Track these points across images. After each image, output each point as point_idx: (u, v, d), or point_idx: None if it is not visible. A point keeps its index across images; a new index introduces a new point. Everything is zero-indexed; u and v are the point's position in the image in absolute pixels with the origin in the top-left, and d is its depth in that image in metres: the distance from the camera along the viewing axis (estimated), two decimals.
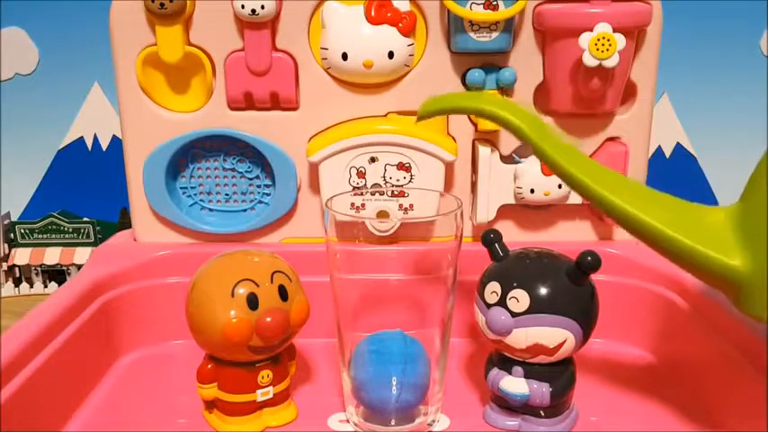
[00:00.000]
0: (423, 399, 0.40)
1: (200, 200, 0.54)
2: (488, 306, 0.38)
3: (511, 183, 0.51)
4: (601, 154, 0.52)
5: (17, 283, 0.78)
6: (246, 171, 0.53)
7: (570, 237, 0.54)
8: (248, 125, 0.51)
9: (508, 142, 0.52)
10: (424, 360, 0.40)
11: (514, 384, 0.39)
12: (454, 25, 0.48)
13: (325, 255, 0.40)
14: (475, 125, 0.51)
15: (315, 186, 0.52)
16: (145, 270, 0.51)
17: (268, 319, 0.37)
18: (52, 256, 0.76)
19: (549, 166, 0.35)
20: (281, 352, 0.41)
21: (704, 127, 0.80)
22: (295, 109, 0.51)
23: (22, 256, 0.76)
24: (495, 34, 0.48)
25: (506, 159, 0.52)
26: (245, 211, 0.54)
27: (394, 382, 0.39)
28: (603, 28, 0.46)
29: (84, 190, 0.82)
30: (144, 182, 0.52)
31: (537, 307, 0.37)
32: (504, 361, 0.40)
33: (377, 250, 0.41)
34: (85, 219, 0.78)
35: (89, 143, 0.81)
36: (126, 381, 0.47)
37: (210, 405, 0.41)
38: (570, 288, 0.37)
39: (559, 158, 0.35)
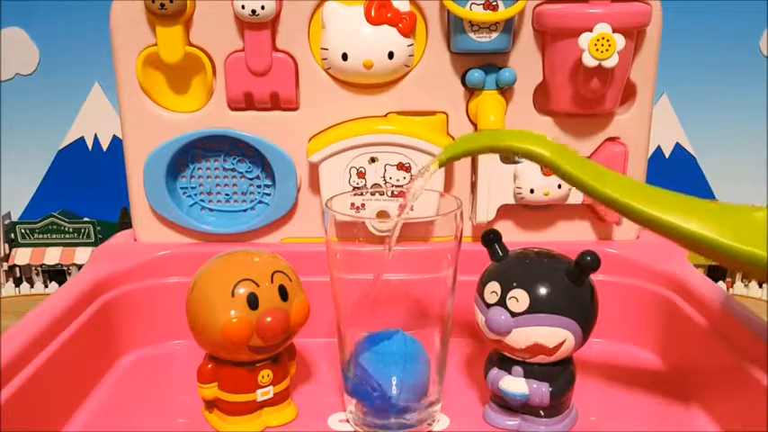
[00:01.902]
0: (423, 399, 0.40)
1: (201, 200, 0.54)
2: (488, 306, 0.38)
3: (510, 183, 0.51)
4: (600, 154, 0.52)
5: (17, 283, 0.78)
6: (246, 171, 0.53)
7: (570, 237, 0.54)
8: (248, 125, 0.51)
9: None
10: (424, 360, 0.40)
11: (514, 384, 0.39)
12: (454, 25, 0.48)
13: (326, 255, 0.40)
14: (475, 125, 0.51)
15: (315, 186, 0.52)
16: (145, 270, 0.51)
17: (268, 319, 0.37)
18: (53, 256, 0.76)
19: (588, 193, 0.35)
20: (281, 352, 0.41)
21: (703, 127, 0.80)
22: (295, 109, 0.51)
23: (22, 256, 0.76)
24: (494, 34, 0.48)
25: (506, 159, 0.52)
26: (245, 211, 0.54)
27: (394, 382, 0.39)
28: (603, 28, 0.46)
29: (85, 190, 0.82)
30: (144, 182, 0.52)
31: (536, 307, 0.37)
32: (504, 361, 0.40)
33: (377, 250, 0.41)
34: (86, 219, 0.78)
35: (89, 143, 0.81)
36: (126, 381, 0.47)
37: (211, 405, 0.41)
38: (570, 288, 0.37)
39: (597, 184, 0.34)
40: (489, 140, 0.37)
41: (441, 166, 0.38)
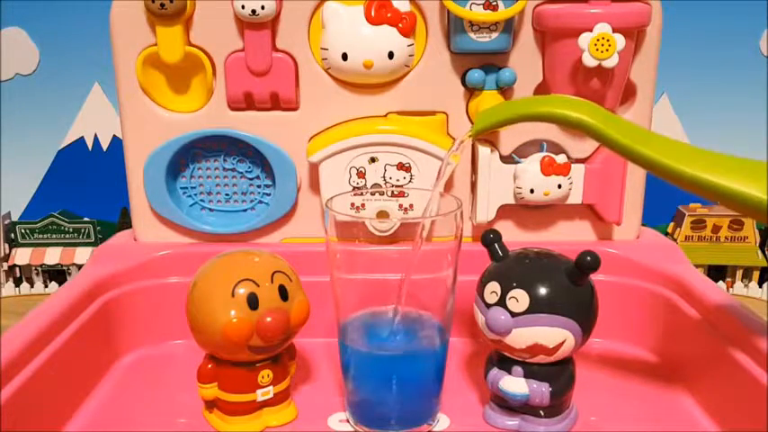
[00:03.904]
0: (423, 401, 0.40)
1: (201, 200, 0.54)
2: (488, 306, 0.38)
3: (510, 183, 0.51)
4: (600, 154, 0.52)
5: (17, 283, 0.78)
6: (246, 171, 0.53)
7: (570, 237, 0.54)
8: (248, 125, 0.51)
9: (508, 142, 0.52)
10: (423, 360, 0.40)
11: (514, 384, 0.39)
12: (454, 25, 0.48)
13: (326, 255, 0.40)
14: None
15: (315, 186, 0.52)
16: (145, 270, 0.51)
17: (268, 319, 0.37)
18: (53, 256, 0.76)
19: (634, 160, 0.33)
20: (281, 352, 0.41)
21: (704, 127, 0.80)
22: (295, 109, 0.51)
23: (22, 256, 0.76)
24: (494, 34, 0.48)
25: (506, 159, 0.52)
26: (245, 211, 0.54)
27: (393, 382, 0.39)
28: (603, 28, 0.46)
29: (85, 190, 0.82)
30: (144, 182, 0.52)
31: (536, 307, 0.37)
32: (504, 361, 0.40)
33: (377, 250, 0.41)
34: (86, 219, 0.78)
35: (89, 143, 0.81)
36: (126, 381, 0.47)
37: (211, 405, 0.41)
38: (570, 288, 0.37)
39: (646, 149, 0.33)
40: (523, 108, 0.35)
41: (474, 137, 0.37)
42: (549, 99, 0.36)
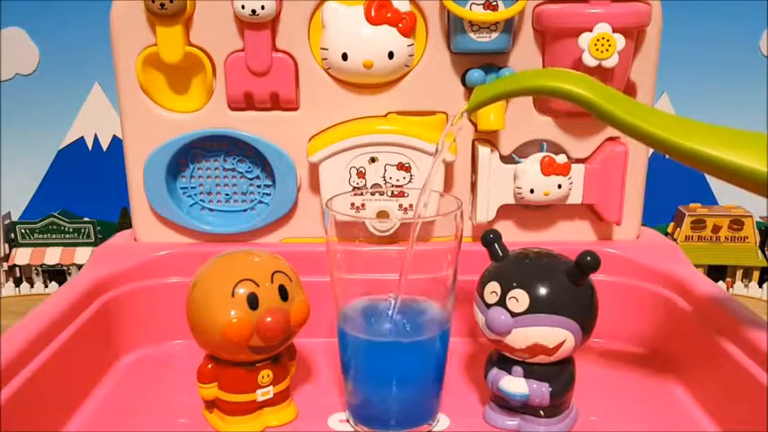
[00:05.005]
0: (422, 398, 0.40)
1: (201, 200, 0.54)
2: (488, 306, 0.38)
3: (510, 183, 0.51)
4: (600, 154, 0.52)
5: (18, 283, 0.78)
6: (246, 171, 0.53)
7: (570, 237, 0.54)
8: (248, 125, 0.51)
9: (508, 142, 0.52)
10: (423, 360, 0.40)
11: (514, 384, 0.39)
12: (454, 25, 0.48)
13: (326, 255, 0.40)
14: (475, 125, 0.51)
15: (315, 186, 0.52)
16: (145, 270, 0.51)
17: (268, 319, 0.37)
18: (53, 256, 0.76)
19: (635, 136, 0.32)
20: (281, 352, 0.41)
21: None
22: (295, 109, 0.51)
23: (22, 256, 0.76)
24: (494, 34, 0.48)
25: (506, 159, 0.52)
26: (245, 211, 0.54)
27: (394, 382, 0.39)
28: (603, 28, 0.46)
29: (85, 190, 0.82)
30: (144, 182, 0.52)
31: (536, 307, 0.37)
32: (504, 361, 0.40)
33: (377, 250, 0.41)
34: (86, 219, 0.78)
35: (89, 143, 0.81)
36: (126, 381, 0.47)
37: (211, 405, 0.41)
38: (570, 288, 0.37)
39: (647, 125, 0.32)
40: (520, 82, 0.35)
41: (470, 112, 0.36)
42: (546, 72, 0.35)
